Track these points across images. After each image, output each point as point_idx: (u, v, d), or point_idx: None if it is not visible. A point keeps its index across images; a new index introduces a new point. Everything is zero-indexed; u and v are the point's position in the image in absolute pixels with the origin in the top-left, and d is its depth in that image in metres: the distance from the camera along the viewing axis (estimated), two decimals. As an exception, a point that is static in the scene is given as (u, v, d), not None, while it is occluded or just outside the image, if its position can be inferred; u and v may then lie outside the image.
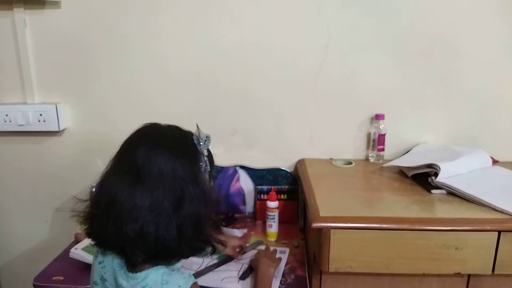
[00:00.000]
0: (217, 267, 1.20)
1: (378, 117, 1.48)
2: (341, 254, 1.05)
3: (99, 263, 0.88)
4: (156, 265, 0.81)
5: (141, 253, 0.77)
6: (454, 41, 1.45)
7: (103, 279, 0.87)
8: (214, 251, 0.89)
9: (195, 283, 0.83)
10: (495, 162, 1.38)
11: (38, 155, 1.59)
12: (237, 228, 1.44)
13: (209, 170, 0.87)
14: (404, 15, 1.43)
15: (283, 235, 1.39)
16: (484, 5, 1.42)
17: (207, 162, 0.87)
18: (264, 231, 1.41)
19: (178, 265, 0.89)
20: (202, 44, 1.48)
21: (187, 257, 0.85)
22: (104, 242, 0.82)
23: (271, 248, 1.25)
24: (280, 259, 1.20)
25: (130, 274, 0.81)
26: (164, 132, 0.86)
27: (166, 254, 0.80)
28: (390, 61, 1.47)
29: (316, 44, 1.46)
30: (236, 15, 1.45)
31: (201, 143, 0.87)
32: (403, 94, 1.50)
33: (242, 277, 1.15)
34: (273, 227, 1.38)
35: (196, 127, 0.90)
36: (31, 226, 1.66)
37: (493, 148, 1.44)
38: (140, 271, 0.81)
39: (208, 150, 0.90)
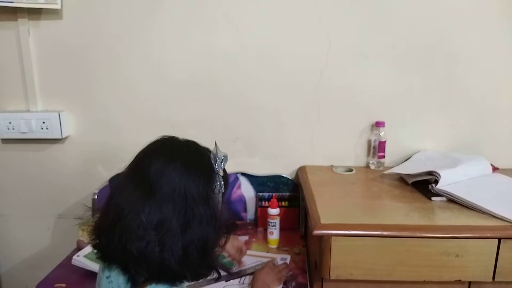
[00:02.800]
0: (216, 281, 1.16)
1: (378, 124, 1.49)
2: (342, 261, 1.05)
3: (106, 277, 0.83)
4: (159, 283, 0.78)
5: (145, 272, 0.75)
6: (454, 49, 1.46)
7: None
8: (219, 278, 0.85)
9: None
10: (495, 169, 1.38)
11: (41, 162, 1.60)
12: (238, 235, 1.45)
13: (223, 191, 0.82)
14: (404, 23, 1.45)
15: (284, 242, 1.40)
16: (484, 13, 1.43)
17: (222, 183, 0.82)
18: (265, 238, 1.41)
19: (183, 285, 0.85)
20: (204, 51, 1.49)
21: (190, 281, 0.81)
22: (108, 257, 0.80)
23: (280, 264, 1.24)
24: (284, 278, 1.17)
25: None
26: (181, 146, 0.83)
27: (169, 276, 0.77)
28: (391, 69, 1.49)
29: (317, 52, 1.48)
30: (238, 23, 1.47)
31: (217, 162, 0.82)
32: (404, 101, 1.51)
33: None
34: (274, 234, 1.38)
35: (214, 145, 0.85)
36: (33, 233, 1.67)
37: (493, 155, 1.44)
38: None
39: (224, 171, 0.86)
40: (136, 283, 0.78)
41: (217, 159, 0.82)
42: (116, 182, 0.81)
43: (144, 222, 0.73)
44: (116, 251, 0.76)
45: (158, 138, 0.84)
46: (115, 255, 0.77)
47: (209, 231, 0.77)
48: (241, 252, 1.25)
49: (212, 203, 0.79)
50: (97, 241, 0.80)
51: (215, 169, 0.82)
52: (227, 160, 0.84)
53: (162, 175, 0.76)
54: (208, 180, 0.80)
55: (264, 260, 1.27)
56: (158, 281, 0.76)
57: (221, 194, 0.82)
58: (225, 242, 0.84)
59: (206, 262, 0.79)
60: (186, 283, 0.84)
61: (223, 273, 0.87)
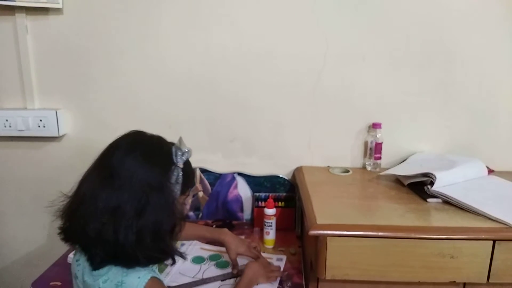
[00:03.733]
0: (213, 281, 1.18)
1: (375, 125, 1.50)
2: (338, 261, 1.06)
3: (76, 260, 0.91)
4: (117, 265, 0.83)
5: (101, 252, 0.81)
6: (451, 51, 1.47)
7: (75, 277, 0.91)
8: (173, 263, 0.89)
9: (156, 277, 0.85)
10: (490, 171, 1.39)
11: (38, 160, 1.60)
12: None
13: (181, 181, 0.87)
14: (401, 25, 1.45)
15: (280, 242, 1.40)
16: (481, 16, 1.44)
17: (180, 174, 0.86)
18: (261, 238, 1.42)
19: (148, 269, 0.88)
20: (202, 52, 1.49)
21: (144, 265, 0.84)
22: (70, 238, 0.86)
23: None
24: (275, 278, 1.17)
25: (93, 271, 0.84)
26: (143, 139, 0.89)
27: (123, 258, 0.81)
28: (387, 71, 1.49)
29: (315, 53, 1.48)
30: (236, 24, 1.47)
31: (178, 155, 0.87)
32: (400, 103, 1.52)
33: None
34: (270, 234, 1.38)
35: (178, 139, 0.90)
36: (29, 231, 1.66)
37: (489, 157, 1.45)
38: (103, 267, 0.83)
39: (187, 164, 0.91)
40: (95, 264, 0.83)
41: (178, 152, 0.87)
42: (86, 171, 0.87)
43: (100, 207, 0.79)
44: (76, 233, 0.82)
45: (127, 132, 0.89)
46: (75, 237, 0.84)
47: (162, 217, 0.82)
48: (249, 251, 1.23)
49: (167, 192, 0.84)
50: (64, 224, 0.86)
51: (174, 160, 0.86)
52: (190, 154, 0.89)
53: (122, 164, 0.82)
54: (165, 170, 0.85)
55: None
56: (113, 262, 0.82)
57: (179, 185, 0.86)
58: (180, 230, 0.89)
59: (159, 247, 0.83)
60: (155, 269, 0.88)
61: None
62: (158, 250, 0.83)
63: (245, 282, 1.09)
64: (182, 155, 0.87)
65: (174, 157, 0.87)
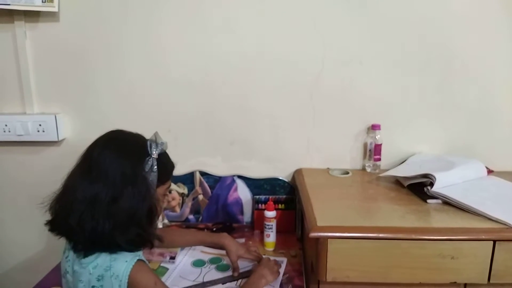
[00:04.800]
0: (213, 284, 1.18)
1: (374, 127, 1.50)
2: (338, 263, 1.05)
3: (66, 257, 0.96)
4: (104, 251, 0.89)
5: (82, 240, 0.87)
6: (449, 53, 1.47)
7: (66, 272, 0.96)
8: (152, 247, 0.94)
9: (142, 260, 0.91)
10: (490, 172, 1.39)
11: (37, 165, 1.60)
12: (234, 237, 1.44)
13: (156, 171, 0.92)
14: (399, 27, 1.46)
15: (281, 245, 1.40)
16: (480, 17, 1.45)
17: (155, 163, 0.92)
18: (261, 241, 1.42)
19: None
20: (201, 54, 1.50)
21: (127, 250, 0.89)
22: (55, 229, 0.92)
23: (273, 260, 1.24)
24: (278, 273, 1.18)
25: (82, 260, 0.90)
26: (119, 135, 0.96)
27: (103, 243, 0.87)
28: (386, 72, 1.50)
29: (313, 56, 1.48)
30: (235, 28, 1.48)
31: (152, 147, 0.93)
32: (399, 104, 1.52)
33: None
34: (270, 237, 1.38)
35: (154, 133, 0.96)
36: (29, 236, 1.66)
37: (488, 158, 1.45)
38: (91, 255, 0.89)
39: (164, 156, 0.97)
40: (77, 249, 0.90)
41: (152, 144, 0.93)
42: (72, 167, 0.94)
43: (79, 197, 0.86)
44: (59, 223, 0.90)
45: (108, 131, 0.97)
46: (58, 227, 0.91)
47: (137, 203, 0.88)
48: (248, 253, 1.24)
49: (141, 180, 0.89)
50: (50, 216, 0.92)
51: (149, 152, 0.92)
52: (165, 147, 0.96)
53: (99, 157, 0.89)
54: (139, 161, 0.91)
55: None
56: (93, 248, 0.88)
57: (154, 174, 0.92)
58: (157, 214, 0.95)
59: (136, 232, 0.88)
60: (140, 254, 0.93)
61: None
62: (136, 234, 0.88)
63: (254, 281, 1.10)
64: (156, 146, 0.93)
65: (148, 149, 0.93)
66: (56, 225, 0.91)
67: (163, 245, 1.29)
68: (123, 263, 0.87)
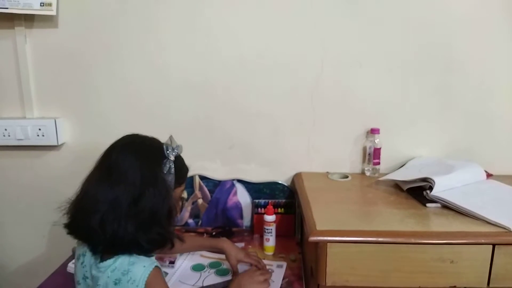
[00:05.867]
0: (170, 249, 1.16)
1: (373, 131, 1.50)
2: (338, 267, 1.05)
3: (81, 263, 0.96)
4: (123, 254, 0.89)
5: (102, 241, 0.87)
6: (449, 56, 1.48)
7: (84, 278, 0.95)
8: (172, 247, 0.96)
9: (159, 267, 0.91)
10: (489, 175, 1.39)
11: (37, 169, 1.60)
12: (234, 241, 1.44)
13: (173, 172, 0.95)
14: (398, 31, 1.47)
15: (281, 249, 1.40)
16: (480, 20, 1.45)
17: (172, 165, 0.95)
18: (261, 245, 1.42)
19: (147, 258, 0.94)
20: (201, 58, 1.50)
21: (146, 251, 0.90)
22: (74, 231, 0.92)
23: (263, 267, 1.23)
24: (266, 283, 1.14)
25: (100, 264, 0.90)
26: (136, 139, 0.98)
27: (124, 244, 0.88)
28: (385, 76, 1.50)
29: (312, 59, 1.49)
30: (234, 31, 1.48)
31: (169, 149, 0.96)
32: (398, 108, 1.53)
33: None
34: (270, 241, 1.38)
35: (170, 137, 1.00)
36: (28, 240, 1.66)
37: (487, 161, 1.45)
38: (109, 258, 0.89)
39: (179, 158, 1.00)
40: (96, 251, 0.91)
41: (168, 147, 0.96)
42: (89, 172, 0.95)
43: (100, 200, 0.87)
44: (79, 225, 0.90)
45: (124, 135, 0.99)
46: (78, 229, 0.91)
47: (158, 203, 0.90)
48: (248, 257, 1.24)
49: (160, 181, 0.92)
50: (68, 219, 0.93)
51: (165, 155, 0.95)
52: (180, 149, 0.99)
53: (117, 160, 0.91)
54: (157, 163, 0.94)
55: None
56: (113, 249, 0.89)
57: (172, 175, 0.95)
58: (176, 214, 0.99)
59: (157, 231, 0.90)
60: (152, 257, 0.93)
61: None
62: (157, 233, 0.90)
63: None
64: (173, 150, 0.96)
65: (165, 152, 0.95)
66: (75, 228, 0.91)
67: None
68: (141, 268, 0.87)
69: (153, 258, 0.93)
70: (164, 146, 0.96)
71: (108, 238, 0.86)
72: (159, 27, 1.49)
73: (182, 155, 1.02)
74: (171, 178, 0.94)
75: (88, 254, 0.94)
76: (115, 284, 0.87)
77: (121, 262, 0.88)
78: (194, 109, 1.54)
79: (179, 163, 0.99)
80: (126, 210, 0.87)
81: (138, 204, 0.87)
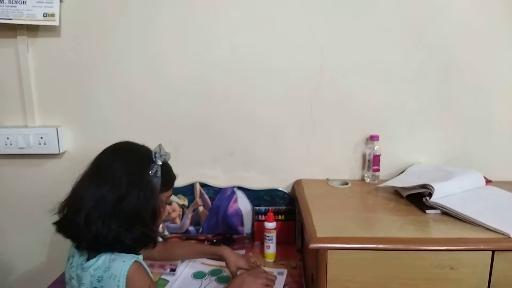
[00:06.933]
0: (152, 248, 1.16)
1: (372, 138, 1.51)
2: (339, 274, 1.06)
3: (70, 264, 1.00)
4: (106, 252, 0.93)
5: (88, 238, 0.90)
6: (447, 62, 1.49)
7: (71, 278, 0.99)
8: (154, 246, 0.99)
9: (139, 262, 0.93)
10: (488, 182, 1.40)
11: (38, 177, 1.61)
12: (235, 249, 1.45)
13: (159, 176, 0.98)
14: (397, 37, 1.48)
15: (281, 256, 1.40)
16: (478, 26, 1.46)
17: (159, 169, 0.98)
18: (262, 252, 1.42)
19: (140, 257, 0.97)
20: (201, 65, 1.52)
21: (130, 249, 0.93)
22: (61, 229, 0.95)
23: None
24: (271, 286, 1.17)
25: (85, 263, 0.94)
26: (126, 145, 1.02)
27: (108, 242, 0.90)
28: (384, 83, 1.51)
29: (312, 66, 1.50)
30: (235, 37, 1.50)
31: (157, 155, 0.99)
32: (398, 115, 1.53)
33: None
34: (271, 248, 1.38)
35: (159, 145, 1.02)
36: (29, 248, 1.66)
37: (486, 168, 1.46)
38: (94, 258, 0.93)
39: (167, 165, 1.04)
40: (80, 247, 0.94)
41: (156, 153, 1.00)
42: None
43: (87, 198, 0.91)
44: (66, 222, 0.94)
45: (115, 142, 1.03)
46: (65, 227, 0.94)
47: (142, 203, 0.93)
48: (248, 264, 1.24)
49: (146, 183, 0.95)
50: (58, 218, 0.96)
51: (153, 159, 0.99)
52: (168, 157, 1.03)
53: (106, 162, 0.96)
54: (144, 166, 0.97)
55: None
56: (97, 246, 0.92)
57: (158, 178, 0.98)
58: (161, 216, 1.01)
59: (141, 230, 0.93)
60: (140, 257, 0.96)
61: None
62: (140, 232, 0.93)
63: None
64: (161, 156, 1.00)
65: (153, 157, 0.99)
66: (63, 226, 0.95)
67: (164, 258, 1.30)
68: (120, 263, 0.90)
69: (139, 256, 0.95)
70: (153, 152, 1.00)
71: (93, 235, 0.89)
72: (158, 34, 1.50)
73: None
74: (157, 181, 0.98)
75: (77, 255, 0.98)
76: (98, 281, 0.90)
77: (103, 260, 0.92)
78: (194, 117, 1.55)
79: (166, 168, 1.03)
80: (110, 209, 0.90)
81: (122, 203, 0.91)
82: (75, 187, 0.96)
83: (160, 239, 1.04)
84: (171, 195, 1.09)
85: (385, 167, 1.54)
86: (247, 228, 1.60)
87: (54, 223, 0.96)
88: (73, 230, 0.92)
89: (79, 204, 0.91)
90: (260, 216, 1.52)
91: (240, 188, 1.58)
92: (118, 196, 0.91)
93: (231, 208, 1.58)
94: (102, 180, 0.92)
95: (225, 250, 1.25)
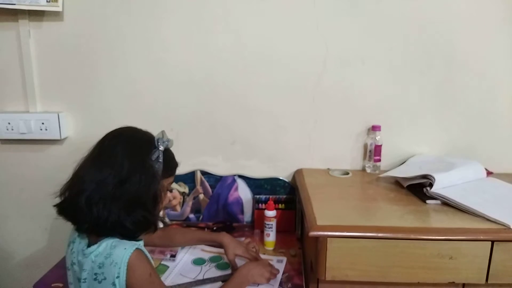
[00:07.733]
0: (213, 282, 1.19)
1: (374, 128, 1.51)
2: (338, 262, 1.06)
3: (71, 250, 1.00)
4: (107, 237, 0.92)
5: (87, 220, 0.90)
6: (450, 54, 1.48)
7: (72, 264, 0.98)
8: (155, 230, 0.98)
9: (140, 249, 0.92)
10: (489, 173, 1.40)
11: (40, 163, 1.61)
12: (235, 237, 1.45)
13: (161, 161, 0.98)
14: (400, 28, 1.47)
15: (281, 244, 1.41)
16: (481, 19, 1.46)
17: (161, 154, 0.98)
18: (262, 240, 1.42)
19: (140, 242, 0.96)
20: (204, 54, 1.51)
21: (131, 233, 0.93)
22: (63, 211, 0.94)
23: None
24: (271, 277, 1.17)
25: (86, 250, 0.93)
26: (129, 129, 1.02)
27: (108, 226, 0.90)
28: (387, 74, 1.51)
29: (314, 56, 1.49)
30: (237, 27, 1.49)
31: (159, 140, 0.99)
32: (400, 105, 1.53)
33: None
34: (270, 236, 1.39)
35: (162, 132, 1.02)
36: (31, 233, 1.67)
37: (487, 159, 1.46)
38: (95, 243, 0.92)
39: (169, 151, 1.04)
40: (80, 229, 0.94)
41: (159, 139, 0.99)
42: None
43: (88, 181, 0.90)
44: (67, 204, 0.93)
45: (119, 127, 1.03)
46: (66, 208, 0.93)
47: (143, 187, 0.92)
48: (246, 252, 1.25)
49: (147, 167, 0.95)
50: (60, 200, 0.96)
51: (156, 145, 0.98)
52: (171, 143, 1.02)
53: (109, 146, 0.96)
54: (146, 151, 0.97)
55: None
56: (98, 229, 0.91)
57: (160, 163, 0.97)
58: (162, 202, 1.00)
59: (142, 214, 0.92)
60: (141, 244, 0.96)
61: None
62: (141, 216, 0.92)
63: (237, 282, 1.11)
64: (163, 142, 0.99)
65: (155, 142, 0.98)
66: (64, 208, 0.94)
67: (164, 244, 1.30)
68: (121, 250, 0.89)
69: (140, 242, 0.95)
70: (156, 138, 1.00)
71: (94, 217, 0.89)
72: (162, 24, 1.49)
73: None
74: (158, 166, 0.97)
75: (77, 240, 0.98)
76: (99, 267, 0.90)
77: (104, 246, 0.91)
78: (196, 105, 1.55)
79: (169, 155, 1.03)
80: (111, 192, 0.90)
81: (123, 187, 0.90)
82: (77, 170, 0.96)
83: (161, 224, 1.03)
84: (172, 182, 1.08)
85: (386, 158, 1.54)
86: (247, 216, 1.60)
87: (55, 205, 0.95)
88: (74, 212, 0.92)
89: (81, 186, 0.91)
90: (260, 205, 1.53)
91: (241, 176, 1.58)
92: (120, 180, 0.91)
93: (232, 196, 1.59)
94: (103, 163, 0.92)
95: (225, 237, 1.25)
